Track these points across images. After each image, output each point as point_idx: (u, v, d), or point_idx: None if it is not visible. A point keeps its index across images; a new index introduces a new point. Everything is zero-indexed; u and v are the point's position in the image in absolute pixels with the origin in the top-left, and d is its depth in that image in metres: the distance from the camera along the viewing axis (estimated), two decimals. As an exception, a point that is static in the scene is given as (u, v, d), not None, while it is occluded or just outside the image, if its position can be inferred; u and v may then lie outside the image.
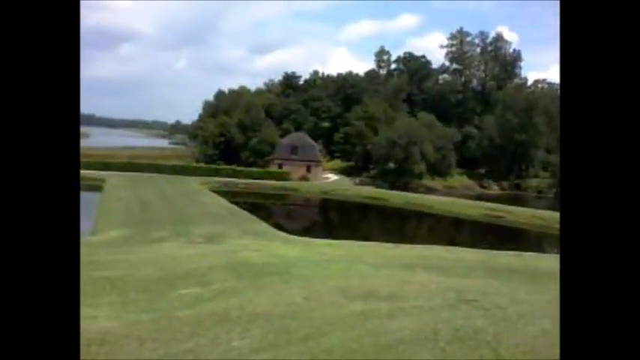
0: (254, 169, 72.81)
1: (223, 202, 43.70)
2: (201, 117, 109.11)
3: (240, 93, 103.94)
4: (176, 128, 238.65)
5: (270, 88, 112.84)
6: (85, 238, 25.93)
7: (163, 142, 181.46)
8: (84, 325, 7.08)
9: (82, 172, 61.17)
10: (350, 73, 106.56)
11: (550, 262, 18.73)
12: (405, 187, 71.60)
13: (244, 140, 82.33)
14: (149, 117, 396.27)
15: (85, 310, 8.15)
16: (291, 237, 27.57)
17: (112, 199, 41.08)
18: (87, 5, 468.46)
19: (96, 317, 7.61)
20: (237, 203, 43.08)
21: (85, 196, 51.85)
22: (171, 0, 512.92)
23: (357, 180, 79.42)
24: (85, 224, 32.46)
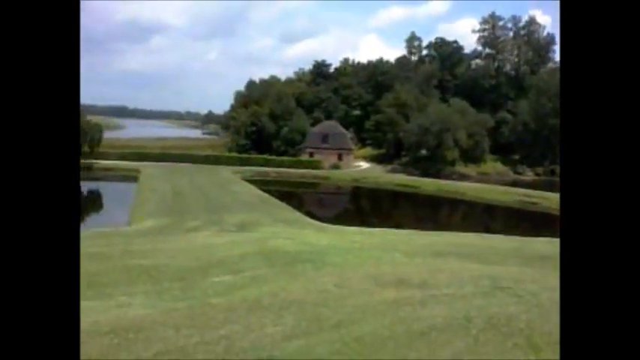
0: (285, 158, 73.16)
1: (255, 190, 44.06)
2: (232, 107, 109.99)
3: (271, 83, 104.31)
4: (208, 119, 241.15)
5: (300, 77, 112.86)
6: (121, 228, 26.50)
7: (196, 133, 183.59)
8: (120, 312, 7.26)
9: (118, 162, 62.53)
10: (380, 60, 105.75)
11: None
12: (437, 174, 70.94)
13: (275, 129, 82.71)
14: (182, 108, 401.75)
15: (120, 299, 8.38)
16: (323, 225, 27.66)
17: (147, 190, 41.80)
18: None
19: (131, 305, 7.79)
20: (269, 192, 43.38)
21: (120, 187, 53.02)
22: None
23: (389, 167, 79.04)
24: (122, 214, 33.18)
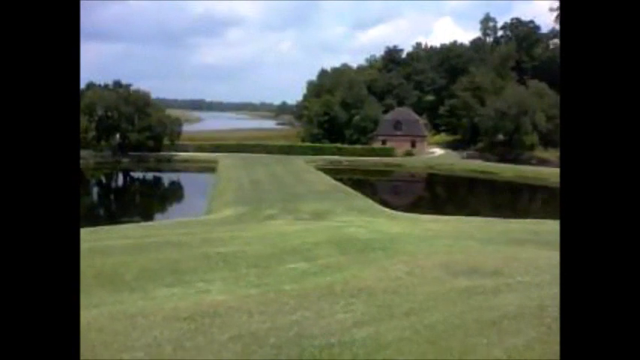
0: (358, 146, 73.04)
1: (329, 179, 44.38)
2: (305, 97, 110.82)
3: (343, 71, 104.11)
4: (282, 109, 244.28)
5: (372, 63, 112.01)
6: (201, 217, 27.54)
7: (270, 123, 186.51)
8: (198, 298, 7.61)
9: (196, 154, 64.79)
10: (454, 43, 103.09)
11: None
12: (515, 160, 68.55)
13: (347, 118, 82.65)
14: (256, 99, 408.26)
15: (199, 285, 8.77)
16: (396, 213, 27.54)
17: (224, 180, 43.09)
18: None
19: (209, 291, 8.14)
20: (342, 180, 43.61)
21: (199, 177, 54.92)
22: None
23: (464, 154, 77.17)
24: (201, 203, 34.45)
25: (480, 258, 10.22)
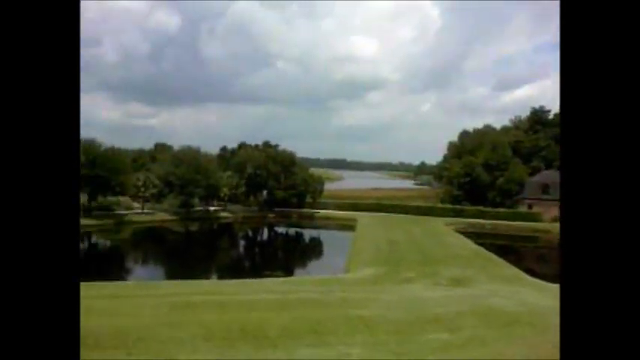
0: (501, 209, 70.06)
1: (469, 243, 42.83)
2: (445, 158, 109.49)
3: (485, 132, 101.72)
4: (421, 169, 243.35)
5: (516, 124, 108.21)
6: (339, 275, 27.86)
7: (408, 184, 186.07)
8: (342, 362, 7.65)
9: (336, 212, 66.26)
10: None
11: None
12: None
13: (490, 180, 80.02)
14: (395, 159, 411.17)
15: (339, 348, 8.83)
16: (544, 283, 25.70)
17: (363, 239, 43.39)
18: (336, 59, 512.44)
19: (350, 354, 8.17)
20: (483, 245, 41.82)
21: (338, 235, 55.90)
22: (415, 47, 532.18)
23: (622, 221, 70.75)
24: (339, 261, 34.91)
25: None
